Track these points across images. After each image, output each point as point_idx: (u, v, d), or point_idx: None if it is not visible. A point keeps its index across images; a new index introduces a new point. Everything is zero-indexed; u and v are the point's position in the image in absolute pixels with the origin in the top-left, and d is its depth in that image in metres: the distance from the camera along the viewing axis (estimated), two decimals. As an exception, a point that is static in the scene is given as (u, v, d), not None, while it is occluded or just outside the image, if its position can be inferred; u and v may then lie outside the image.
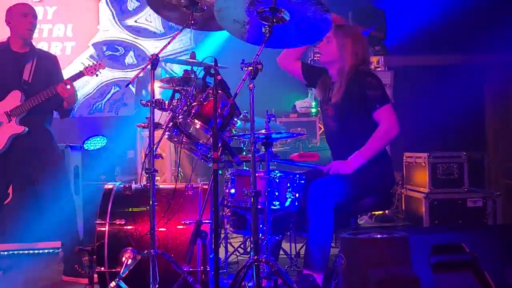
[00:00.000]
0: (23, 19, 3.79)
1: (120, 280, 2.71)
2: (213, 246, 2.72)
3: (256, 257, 2.48)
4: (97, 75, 3.79)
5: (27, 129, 3.70)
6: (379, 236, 2.37)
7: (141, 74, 5.00)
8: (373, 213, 5.15)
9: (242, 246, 4.22)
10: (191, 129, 2.94)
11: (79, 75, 3.72)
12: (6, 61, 3.81)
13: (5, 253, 4.18)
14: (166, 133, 3.05)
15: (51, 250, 4.45)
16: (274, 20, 2.65)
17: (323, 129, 6.52)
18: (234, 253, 4.05)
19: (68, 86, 3.68)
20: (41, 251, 4.46)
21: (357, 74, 3.19)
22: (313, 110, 6.14)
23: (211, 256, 2.90)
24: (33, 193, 4.01)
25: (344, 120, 3.25)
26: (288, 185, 3.04)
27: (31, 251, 4.45)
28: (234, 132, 3.22)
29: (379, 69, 5.47)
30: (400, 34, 5.95)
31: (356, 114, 3.20)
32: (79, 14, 6.70)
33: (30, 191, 3.93)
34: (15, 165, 3.79)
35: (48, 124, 3.92)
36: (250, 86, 2.45)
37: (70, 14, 6.64)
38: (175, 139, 3.10)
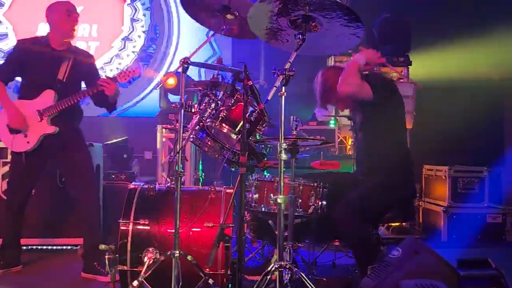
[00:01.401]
0: (66, 18, 3.78)
1: (143, 280, 2.73)
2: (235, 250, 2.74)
3: (280, 263, 2.48)
4: (130, 82, 3.78)
5: (58, 129, 3.74)
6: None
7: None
8: (390, 224, 5.12)
9: (260, 251, 4.22)
10: (218, 133, 2.96)
11: (112, 79, 3.69)
12: (44, 57, 3.81)
13: (27, 247, 4.21)
14: (192, 135, 3.08)
15: (69, 247, 4.49)
16: (307, 28, 2.66)
17: (341, 138, 6.55)
18: (252, 258, 4.05)
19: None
20: (59, 247, 4.50)
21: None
22: (332, 122, 6.15)
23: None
24: (58, 190, 4.06)
25: (366, 127, 3.30)
26: (312, 192, 3.04)
27: (49, 247, 4.49)
28: (258, 138, 3.24)
29: (402, 80, 5.46)
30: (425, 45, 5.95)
31: (373, 120, 3.22)
32: (104, 15, 6.78)
33: (56, 188, 3.97)
34: (44, 163, 3.85)
35: (78, 123, 3.96)
36: (281, 92, 2.46)
37: (96, 14, 6.72)
38: (200, 142, 3.12)
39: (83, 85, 3.98)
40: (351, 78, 3.06)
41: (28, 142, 3.73)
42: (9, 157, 4.42)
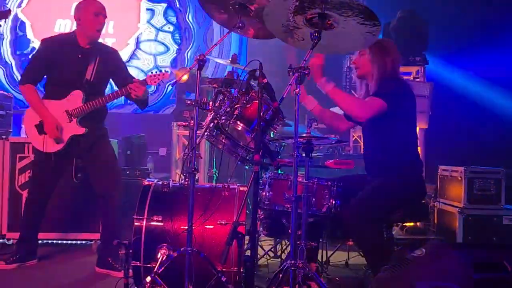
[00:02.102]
0: (94, 18, 3.78)
1: (156, 276, 2.75)
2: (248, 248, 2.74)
3: (293, 261, 2.47)
4: (159, 85, 3.78)
5: (87, 130, 3.77)
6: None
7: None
8: (404, 224, 5.08)
9: (272, 249, 4.22)
10: (232, 130, 2.96)
11: (142, 83, 3.69)
12: (71, 56, 3.80)
13: (43, 241, 4.26)
14: (206, 133, 3.08)
15: (83, 242, 4.53)
16: (322, 26, 2.64)
17: (355, 137, 6.52)
18: (265, 256, 4.05)
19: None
20: (74, 242, 4.55)
21: (382, 81, 3.24)
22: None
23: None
24: (74, 186, 4.10)
25: (375, 126, 3.29)
26: (326, 191, 3.03)
27: (64, 241, 4.54)
28: (272, 136, 3.24)
29: (418, 79, 5.41)
30: (442, 45, 5.89)
31: (381, 120, 3.20)
32: (121, 12, 6.83)
33: (72, 184, 4.01)
34: (69, 161, 3.88)
35: (103, 121, 3.99)
36: (297, 91, 2.46)
37: (113, 11, 6.73)
38: (215, 140, 3.12)
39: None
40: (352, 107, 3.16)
41: (57, 143, 3.76)
42: (26, 151, 4.49)
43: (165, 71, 3.73)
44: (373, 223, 3.06)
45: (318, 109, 3.42)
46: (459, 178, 4.81)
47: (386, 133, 3.24)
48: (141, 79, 3.74)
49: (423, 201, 3.41)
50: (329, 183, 3.07)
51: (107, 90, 4.03)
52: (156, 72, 3.73)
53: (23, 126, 4.75)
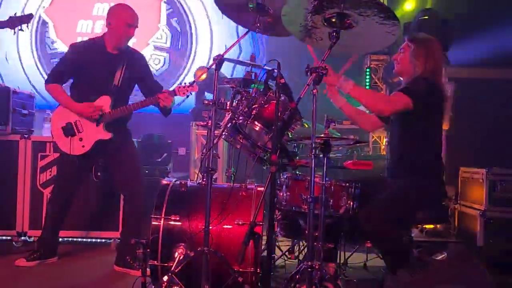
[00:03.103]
0: (125, 29, 3.80)
1: (173, 275, 2.76)
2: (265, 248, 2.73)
3: (310, 263, 2.46)
4: (187, 96, 3.80)
5: (113, 135, 3.81)
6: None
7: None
8: (424, 226, 5.02)
9: (290, 250, 4.19)
10: (250, 130, 2.96)
11: (171, 93, 3.71)
12: (99, 62, 3.84)
13: (63, 239, 4.32)
14: (224, 133, 3.09)
15: (103, 240, 4.58)
16: (341, 26, 2.63)
17: (375, 137, 6.46)
18: (282, 257, 4.03)
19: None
20: (94, 240, 4.59)
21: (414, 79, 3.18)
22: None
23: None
24: (94, 185, 4.14)
25: (402, 126, 3.23)
26: (344, 192, 3.01)
27: (84, 240, 4.59)
28: (291, 136, 3.22)
29: (439, 80, 5.33)
30: (464, 46, 5.80)
31: (406, 119, 3.15)
32: (141, 12, 6.84)
33: (92, 183, 4.06)
34: (94, 163, 3.93)
35: (127, 123, 4.04)
36: (314, 91, 2.44)
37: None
38: (232, 140, 3.13)
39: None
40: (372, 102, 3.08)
41: (83, 146, 3.80)
42: (48, 150, 4.55)
43: (194, 83, 3.73)
44: (393, 225, 3.03)
45: (347, 107, 3.37)
46: (481, 180, 4.74)
47: (411, 133, 3.18)
48: (170, 90, 3.77)
49: (444, 203, 3.35)
50: (347, 184, 3.05)
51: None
52: (185, 83, 3.74)
53: (45, 125, 4.84)
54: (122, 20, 3.79)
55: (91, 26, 7.11)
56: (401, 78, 3.37)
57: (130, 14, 3.85)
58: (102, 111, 3.76)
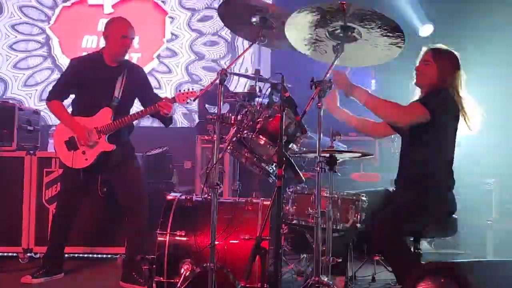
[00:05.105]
0: (121, 41, 3.84)
1: (179, 292, 2.74)
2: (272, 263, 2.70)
3: (317, 278, 2.43)
4: (187, 103, 3.81)
5: (115, 147, 3.82)
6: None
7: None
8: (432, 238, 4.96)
9: (297, 264, 4.15)
10: (255, 144, 2.94)
11: (171, 100, 3.72)
12: (99, 76, 3.88)
13: (69, 255, 4.30)
14: (229, 147, 3.07)
15: (109, 256, 4.55)
16: (345, 39, 2.62)
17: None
18: (288, 271, 3.99)
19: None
20: (100, 256, 4.57)
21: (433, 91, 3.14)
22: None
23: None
24: (100, 200, 4.13)
25: (414, 136, 3.19)
26: (351, 206, 2.98)
27: (90, 255, 4.56)
28: (296, 150, 3.19)
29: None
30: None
31: (421, 130, 3.11)
32: (146, 27, 6.90)
33: (97, 198, 4.05)
34: (97, 177, 3.95)
35: (130, 136, 4.04)
36: (319, 104, 2.43)
37: (138, 26, 6.82)
38: (238, 154, 3.11)
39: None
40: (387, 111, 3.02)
41: (86, 159, 3.81)
42: (53, 166, 4.56)
43: (193, 89, 3.74)
44: (404, 237, 2.99)
45: (350, 119, 3.34)
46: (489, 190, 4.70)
47: (423, 144, 3.13)
48: (170, 97, 3.78)
49: (454, 216, 3.30)
50: (354, 197, 3.01)
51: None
52: (184, 90, 3.75)
53: (50, 140, 4.85)
54: (118, 32, 3.84)
55: (96, 42, 7.15)
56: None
57: (125, 26, 3.91)
58: (98, 132, 3.78)
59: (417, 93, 3.26)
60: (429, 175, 3.10)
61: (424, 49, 3.24)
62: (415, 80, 3.23)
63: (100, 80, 3.86)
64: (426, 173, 3.10)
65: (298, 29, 2.70)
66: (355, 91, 2.97)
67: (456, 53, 3.23)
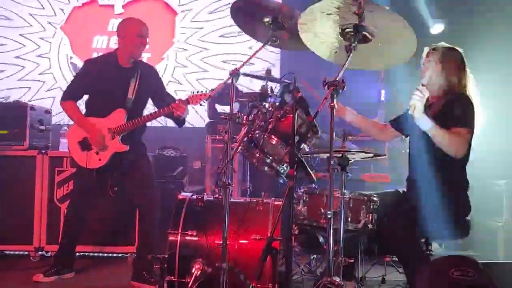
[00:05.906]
0: (137, 40, 3.87)
1: (190, 291, 2.74)
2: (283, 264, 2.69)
3: (329, 279, 2.42)
4: (201, 105, 3.80)
5: (128, 147, 3.84)
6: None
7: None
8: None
9: (307, 265, 4.15)
10: (267, 144, 2.94)
11: (185, 102, 3.72)
12: (113, 77, 3.90)
13: (80, 254, 4.32)
14: (240, 147, 3.07)
15: (120, 255, 4.57)
16: (358, 39, 2.60)
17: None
18: (299, 272, 3.98)
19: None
20: (110, 255, 4.59)
21: (453, 95, 3.11)
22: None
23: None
24: (110, 199, 4.15)
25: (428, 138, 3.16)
26: (363, 206, 2.96)
27: (101, 254, 4.59)
28: (308, 150, 3.19)
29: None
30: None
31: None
32: (156, 27, 6.93)
33: (108, 197, 4.06)
34: (110, 177, 3.95)
35: (142, 136, 4.06)
36: (332, 104, 2.41)
37: (148, 26, 6.88)
38: (249, 154, 3.11)
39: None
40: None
41: (100, 160, 3.84)
42: (64, 165, 4.58)
43: (206, 91, 3.70)
44: (415, 238, 2.98)
45: (358, 120, 3.32)
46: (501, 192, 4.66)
47: (436, 146, 3.11)
48: (183, 99, 3.78)
49: (467, 218, 3.27)
50: (365, 198, 3.00)
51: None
52: (197, 92, 3.74)
53: (63, 140, 4.87)
54: (133, 32, 3.87)
55: (107, 42, 7.19)
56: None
57: (140, 26, 3.95)
58: (112, 133, 3.80)
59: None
60: (445, 176, 3.07)
61: (426, 48, 3.22)
62: (422, 81, 3.21)
63: (114, 81, 3.88)
64: (442, 174, 3.07)
65: (312, 29, 2.69)
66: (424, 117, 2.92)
67: (460, 50, 3.21)
